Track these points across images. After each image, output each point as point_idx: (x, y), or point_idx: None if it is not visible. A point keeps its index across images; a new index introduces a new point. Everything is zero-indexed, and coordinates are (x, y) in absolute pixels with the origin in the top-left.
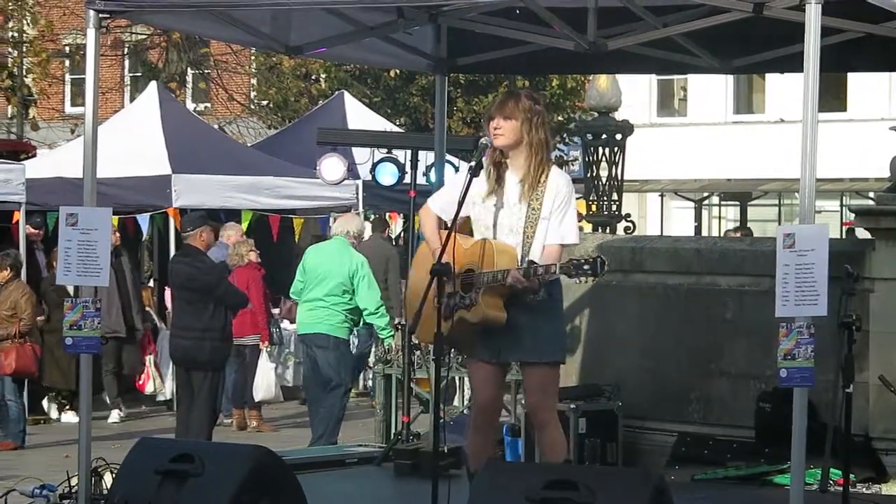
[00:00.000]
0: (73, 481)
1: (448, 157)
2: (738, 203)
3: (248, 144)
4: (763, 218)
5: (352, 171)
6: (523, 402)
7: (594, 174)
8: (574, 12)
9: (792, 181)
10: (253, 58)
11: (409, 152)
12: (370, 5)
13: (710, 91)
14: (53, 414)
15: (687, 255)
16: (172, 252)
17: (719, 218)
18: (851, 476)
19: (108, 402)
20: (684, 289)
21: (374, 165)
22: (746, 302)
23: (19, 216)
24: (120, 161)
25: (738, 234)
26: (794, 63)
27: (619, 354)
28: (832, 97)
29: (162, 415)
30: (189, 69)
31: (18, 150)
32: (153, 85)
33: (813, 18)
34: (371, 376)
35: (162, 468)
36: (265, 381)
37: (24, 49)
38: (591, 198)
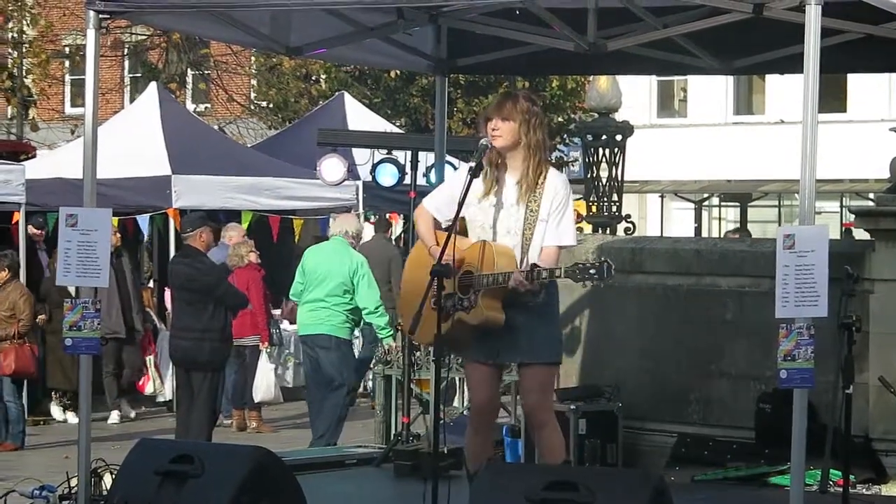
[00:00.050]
0: (73, 482)
1: (448, 157)
2: (738, 204)
3: (248, 145)
4: (763, 219)
5: (352, 172)
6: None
7: (594, 175)
8: (574, 13)
9: (792, 182)
10: (253, 58)
11: (409, 153)
12: (370, 6)
13: (710, 92)
14: (59, 416)
15: (687, 256)
16: (172, 253)
17: (719, 219)
18: (851, 477)
19: (108, 403)
20: (684, 290)
21: (375, 166)
22: (746, 303)
23: (19, 217)
24: (120, 162)
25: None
26: (794, 64)
27: (619, 355)
28: (832, 98)
29: (162, 416)
30: (189, 70)
31: (18, 151)
32: (153, 86)
33: (813, 19)
34: (371, 377)
35: (162, 469)
36: (265, 381)
37: (24, 50)
38: (591, 199)
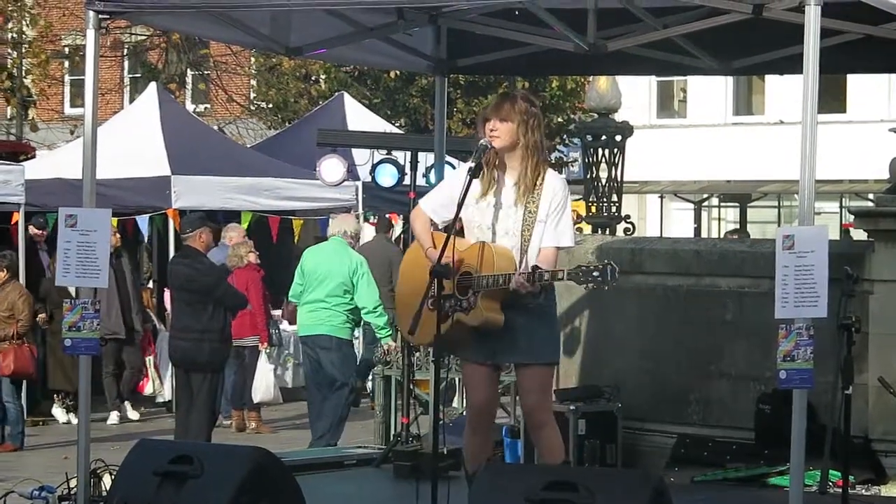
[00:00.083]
0: (72, 483)
1: (448, 158)
2: (737, 204)
3: (248, 145)
4: (762, 219)
5: (351, 173)
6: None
7: (594, 175)
8: (574, 13)
9: (791, 182)
10: (253, 59)
11: (408, 153)
12: (370, 6)
13: (709, 92)
14: (62, 417)
15: (686, 257)
16: (172, 253)
17: (719, 219)
18: (851, 478)
19: (108, 404)
20: (684, 290)
21: (374, 167)
22: (746, 303)
23: (18, 217)
24: (119, 162)
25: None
26: (793, 64)
27: (619, 356)
28: (831, 99)
29: (161, 416)
30: (189, 70)
31: (18, 152)
32: (153, 86)
33: (812, 20)
34: (371, 378)
35: (161, 470)
36: (264, 382)
37: (24, 50)
38: (590, 199)
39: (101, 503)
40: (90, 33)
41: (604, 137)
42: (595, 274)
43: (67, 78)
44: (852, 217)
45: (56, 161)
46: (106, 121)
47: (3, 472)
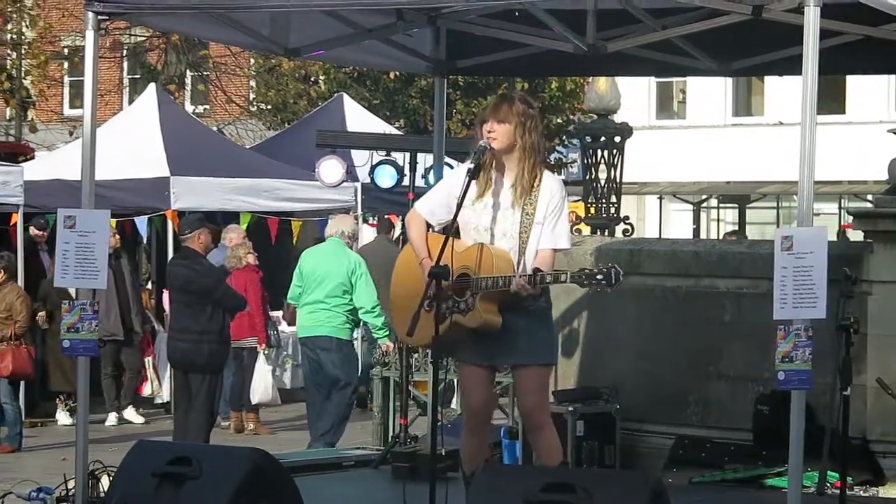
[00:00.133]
0: (71, 484)
1: (447, 159)
2: (736, 205)
3: (247, 146)
4: (762, 220)
5: (350, 174)
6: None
7: (593, 176)
8: (573, 14)
9: (790, 184)
10: (252, 60)
11: (407, 154)
12: (369, 7)
13: (708, 93)
14: (66, 420)
15: (685, 258)
16: (171, 254)
17: (718, 220)
18: (849, 479)
19: (107, 405)
20: (682, 291)
21: (373, 168)
22: (745, 304)
23: (17, 218)
24: (118, 163)
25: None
26: (792, 65)
27: (617, 357)
28: (831, 100)
29: (160, 417)
30: (188, 71)
31: (17, 152)
32: (152, 87)
33: (812, 21)
34: (369, 379)
35: (159, 471)
36: (262, 383)
37: (23, 51)
38: (589, 200)
39: None
40: (89, 34)
41: (603, 138)
42: (599, 277)
43: (67, 79)
44: (851, 218)
45: (55, 162)
46: (105, 122)
47: (1, 473)
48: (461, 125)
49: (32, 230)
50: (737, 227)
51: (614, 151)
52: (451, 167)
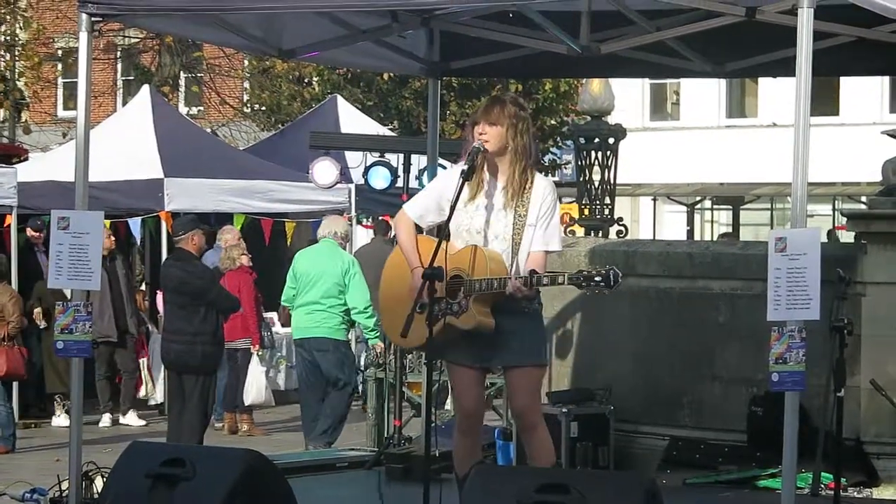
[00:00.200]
0: (64, 485)
1: (440, 160)
2: (730, 207)
3: (241, 148)
4: (755, 222)
5: (344, 175)
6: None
7: (587, 178)
8: (567, 16)
9: (784, 185)
10: (246, 61)
11: (401, 156)
12: (363, 9)
13: (702, 95)
14: (64, 421)
15: (679, 259)
16: (164, 256)
17: (712, 222)
18: (843, 480)
19: (101, 406)
20: (677, 293)
21: (367, 169)
22: (739, 306)
23: (11, 220)
24: (112, 165)
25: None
26: (786, 67)
27: (612, 358)
28: (824, 101)
29: (153, 418)
30: (182, 73)
31: (11, 154)
32: (146, 88)
33: (805, 22)
34: (363, 380)
35: (153, 472)
36: (255, 384)
37: (17, 53)
38: (583, 201)
39: None
40: (83, 36)
41: (597, 140)
42: (597, 279)
43: (60, 80)
44: (845, 219)
45: (49, 163)
46: (99, 123)
47: None
48: (455, 127)
49: (29, 231)
50: (731, 229)
51: (608, 153)
52: (445, 168)
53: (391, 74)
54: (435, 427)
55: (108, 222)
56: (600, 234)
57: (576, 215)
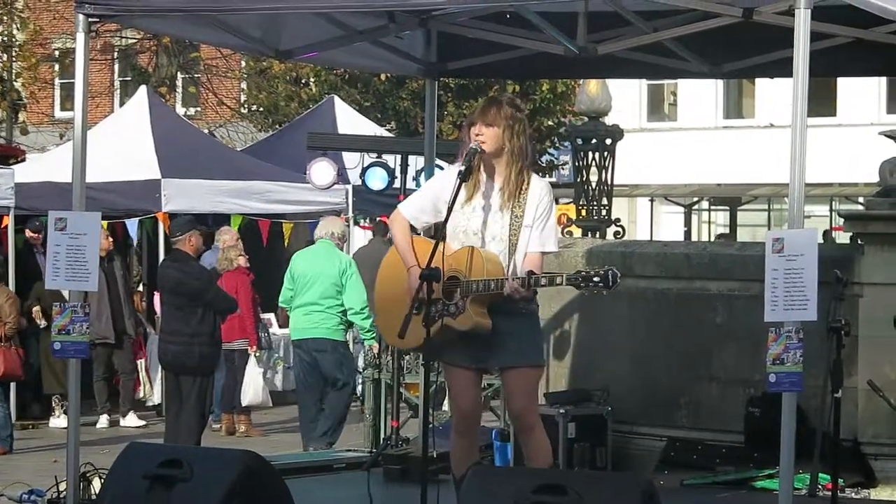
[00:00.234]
0: (62, 486)
1: (438, 161)
2: (727, 208)
3: (238, 149)
4: (753, 223)
5: (341, 176)
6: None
7: (584, 179)
8: (564, 17)
9: (781, 186)
10: (243, 62)
11: (398, 157)
12: (361, 10)
13: (699, 96)
14: (63, 422)
15: (677, 260)
16: (161, 257)
17: (709, 223)
18: (840, 481)
19: (98, 408)
20: (674, 293)
21: (364, 170)
22: (736, 307)
23: (8, 221)
24: (109, 165)
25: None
26: (783, 68)
27: (609, 359)
28: (822, 102)
29: (151, 420)
30: (179, 73)
31: (8, 155)
32: (143, 89)
33: (802, 23)
34: (360, 381)
35: (150, 473)
36: (252, 385)
37: (14, 53)
38: (580, 202)
39: None
40: (80, 36)
41: (594, 141)
42: (596, 279)
43: (58, 81)
44: (842, 220)
45: (46, 164)
46: (96, 124)
47: None
48: (452, 127)
49: (28, 233)
50: (728, 230)
51: (605, 154)
52: (442, 169)
53: (388, 75)
54: (432, 428)
55: (105, 223)
56: (597, 235)
57: (573, 216)
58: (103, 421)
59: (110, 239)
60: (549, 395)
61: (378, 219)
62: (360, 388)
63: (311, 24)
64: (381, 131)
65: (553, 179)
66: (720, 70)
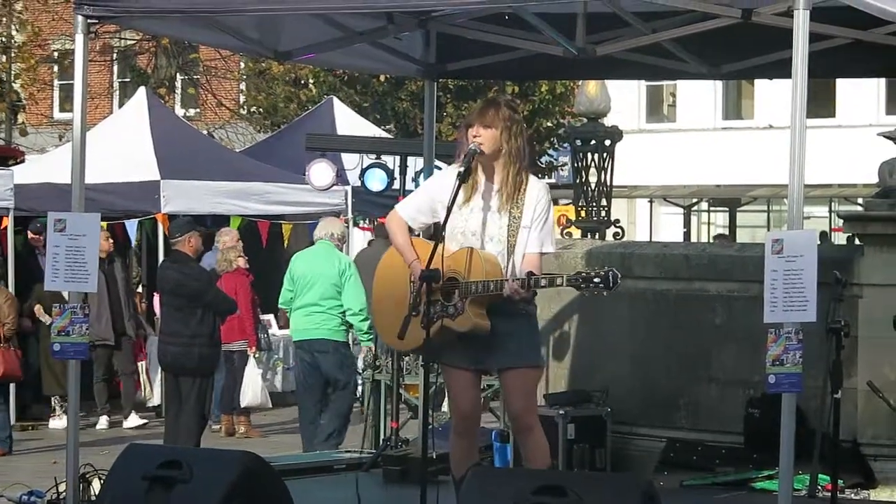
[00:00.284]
0: (62, 487)
1: (437, 162)
2: (726, 209)
3: (237, 150)
4: (752, 224)
5: (341, 177)
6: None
7: (583, 180)
8: (563, 18)
9: (780, 187)
10: (242, 63)
11: (398, 158)
12: (359, 11)
13: (698, 97)
14: (62, 422)
15: (676, 261)
16: (161, 258)
17: (708, 224)
18: (840, 482)
19: (98, 409)
20: (673, 294)
21: (363, 171)
22: (735, 308)
23: (7, 222)
24: (108, 167)
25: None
26: (782, 69)
27: (609, 360)
28: (821, 103)
29: (151, 421)
30: (178, 74)
31: (7, 156)
32: (142, 90)
33: (801, 24)
34: (360, 382)
35: (150, 474)
36: (251, 386)
37: (13, 54)
38: (580, 203)
39: None
40: (79, 38)
41: (593, 142)
42: (596, 280)
43: (57, 82)
44: (841, 221)
45: (45, 166)
46: (95, 125)
47: None
48: (451, 128)
49: (30, 234)
50: (727, 231)
51: (604, 155)
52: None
53: (387, 76)
54: (432, 429)
55: (104, 224)
56: (597, 236)
57: (572, 217)
58: (103, 422)
59: (111, 241)
60: (549, 396)
61: (378, 220)
62: (359, 389)
63: (310, 26)
64: (380, 132)
65: (552, 180)
66: (719, 71)
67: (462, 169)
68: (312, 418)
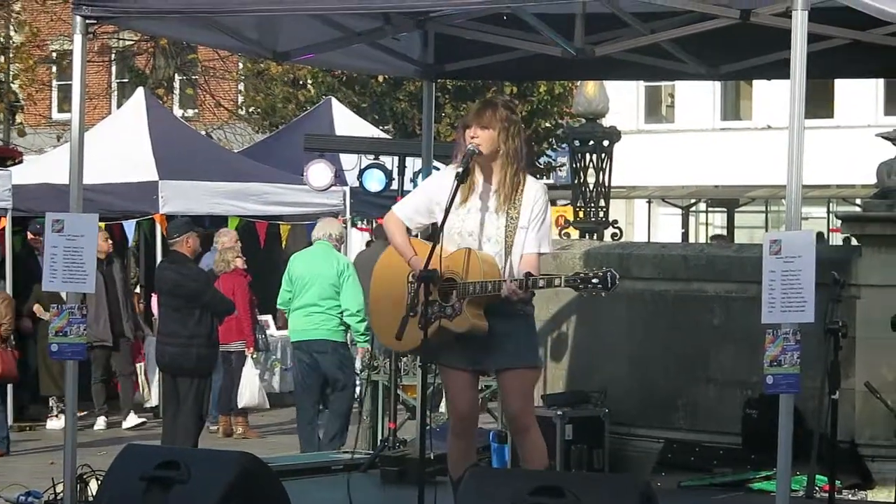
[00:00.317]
0: (59, 488)
1: (435, 162)
2: (725, 210)
3: (236, 150)
4: (750, 224)
5: (339, 178)
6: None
7: (581, 180)
8: (561, 19)
9: (779, 188)
10: (240, 64)
11: (396, 158)
12: (358, 11)
13: (697, 98)
14: (59, 423)
15: (674, 262)
16: (159, 258)
17: (706, 224)
18: (837, 482)
19: (96, 410)
20: (671, 295)
21: (362, 172)
22: (733, 308)
23: (6, 223)
24: (107, 167)
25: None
26: (781, 69)
27: (607, 360)
28: (819, 104)
29: (149, 421)
30: (176, 75)
31: (5, 156)
32: (140, 91)
33: (799, 25)
34: (358, 383)
35: (147, 475)
36: (249, 387)
37: (11, 55)
38: (578, 204)
39: None
40: (77, 38)
41: (591, 142)
42: (595, 281)
43: (55, 83)
44: (840, 222)
45: (43, 166)
46: (93, 126)
47: None
48: (450, 129)
49: (29, 235)
50: (725, 231)
51: (603, 155)
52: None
53: (386, 77)
54: (429, 430)
55: (102, 224)
56: (595, 237)
57: (570, 218)
58: (101, 423)
59: (109, 242)
60: (547, 396)
61: (376, 221)
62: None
63: (308, 26)
64: (378, 133)
65: (550, 181)
66: (717, 72)
67: (460, 170)
68: (310, 419)
